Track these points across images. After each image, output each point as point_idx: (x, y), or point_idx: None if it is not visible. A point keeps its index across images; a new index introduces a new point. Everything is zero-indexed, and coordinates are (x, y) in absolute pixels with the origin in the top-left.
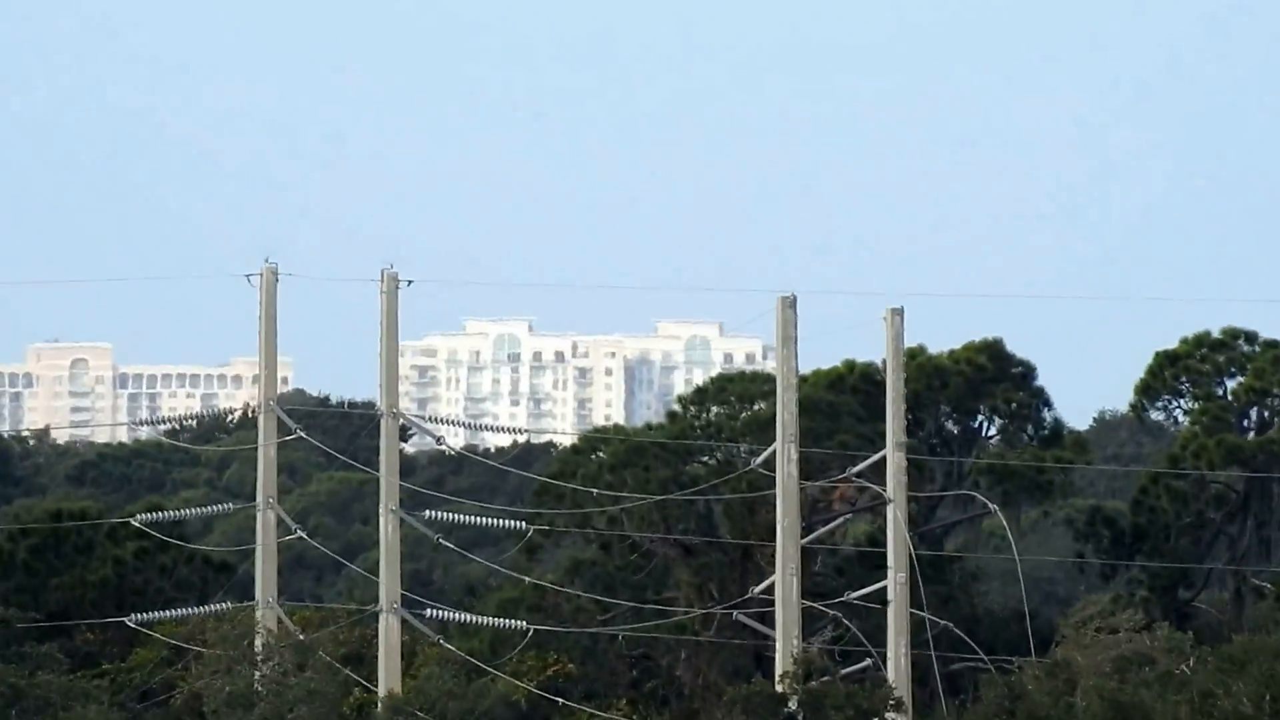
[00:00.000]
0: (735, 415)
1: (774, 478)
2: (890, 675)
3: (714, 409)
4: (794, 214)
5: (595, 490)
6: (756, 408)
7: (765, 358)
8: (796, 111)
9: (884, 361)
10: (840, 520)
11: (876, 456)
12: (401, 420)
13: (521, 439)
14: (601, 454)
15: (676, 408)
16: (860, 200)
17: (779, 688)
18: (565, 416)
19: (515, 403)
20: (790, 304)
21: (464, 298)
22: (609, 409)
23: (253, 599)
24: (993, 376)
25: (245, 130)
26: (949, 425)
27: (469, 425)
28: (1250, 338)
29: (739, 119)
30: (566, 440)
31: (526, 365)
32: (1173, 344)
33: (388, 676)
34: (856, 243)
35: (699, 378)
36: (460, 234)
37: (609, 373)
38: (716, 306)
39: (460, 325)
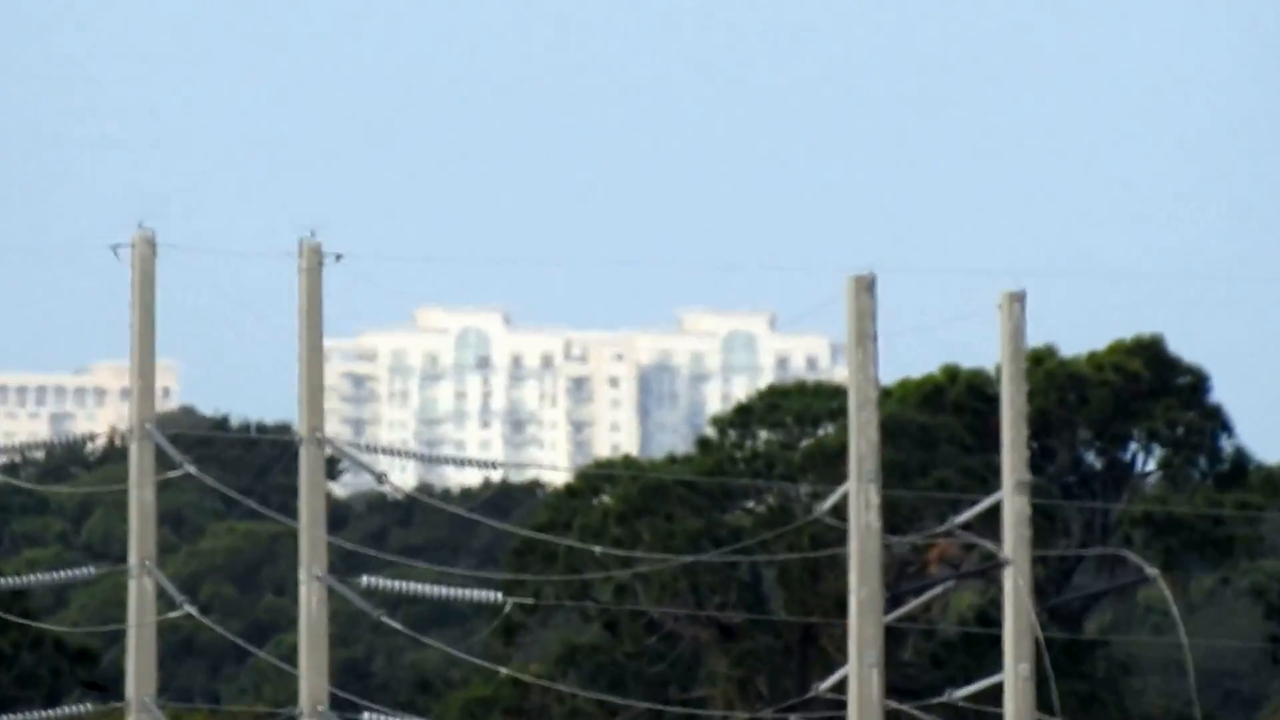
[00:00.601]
0: (792, 443)
1: (846, 531)
2: None
3: (763, 434)
4: (861, 181)
5: (598, 548)
6: (822, 432)
7: (834, 361)
8: (861, 63)
9: (998, 368)
10: (939, 589)
11: (989, 501)
12: (329, 450)
13: (496, 476)
14: (606, 497)
15: (710, 432)
16: (946, 165)
17: None
18: (556, 444)
19: (486, 424)
20: (867, 286)
21: (416, 280)
22: (616, 434)
23: (123, 698)
24: (1151, 389)
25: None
26: (1090, 457)
27: (422, 457)
28: None
29: (785, 65)
30: (558, 478)
31: (502, 373)
32: None
33: None
34: (943, 216)
35: (741, 390)
36: (414, 203)
37: (615, 383)
38: (765, 292)
39: (410, 318)
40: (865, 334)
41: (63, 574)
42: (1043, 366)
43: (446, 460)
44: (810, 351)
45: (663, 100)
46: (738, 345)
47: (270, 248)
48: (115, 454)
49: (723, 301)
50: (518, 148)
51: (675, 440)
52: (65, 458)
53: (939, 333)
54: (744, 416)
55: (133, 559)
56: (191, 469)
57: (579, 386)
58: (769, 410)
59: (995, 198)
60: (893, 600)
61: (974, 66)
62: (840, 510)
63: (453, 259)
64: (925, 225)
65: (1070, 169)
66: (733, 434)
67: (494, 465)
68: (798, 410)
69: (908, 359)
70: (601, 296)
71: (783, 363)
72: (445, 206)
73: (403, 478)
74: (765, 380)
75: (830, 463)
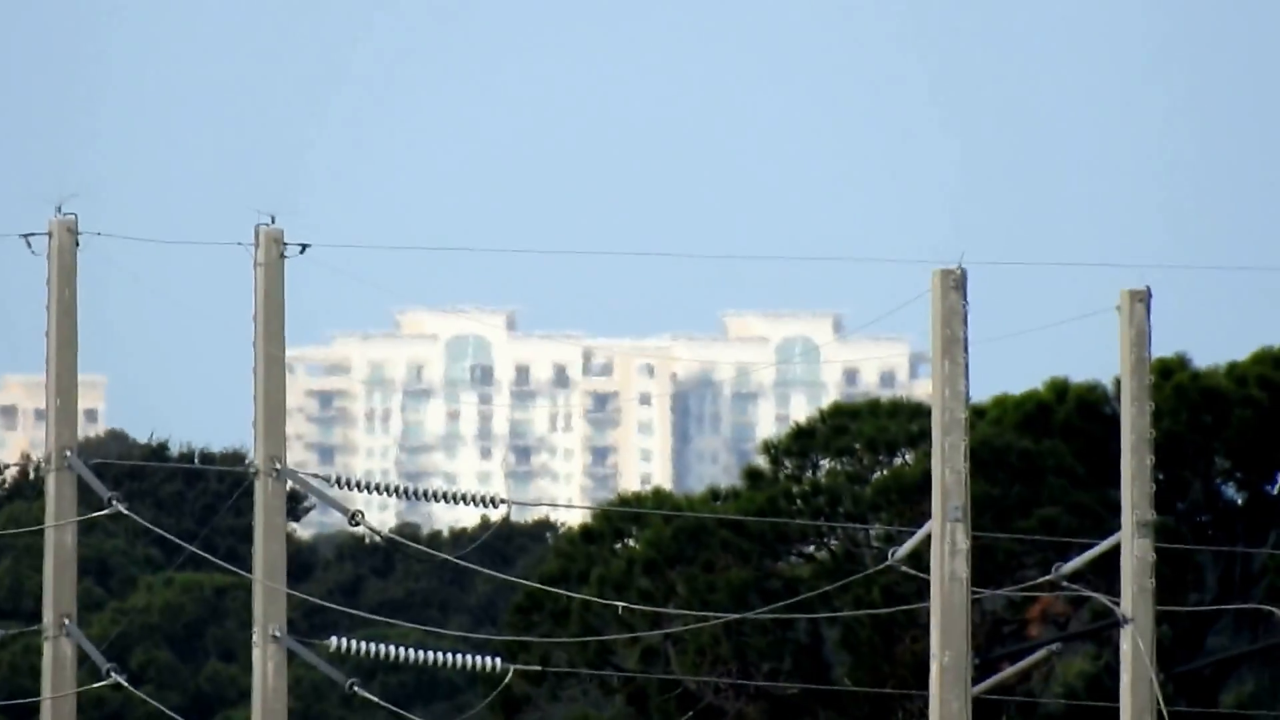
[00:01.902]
0: (862, 475)
1: (926, 582)
2: None
3: (826, 464)
4: (944, 166)
5: (621, 604)
6: (899, 461)
7: (914, 375)
8: (932, 39)
9: (1117, 382)
10: (1041, 653)
11: (1105, 545)
12: (291, 483)
13: (496, 515)
14: (632, 541)
15: (761, 461)
16: (1048, 149)
17: None
18: (571, 477)
19: (485, 452)
20: (956, 283)
21: (399, 277)
22: (646, 464)
23: None
24: None
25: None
26: (1229, 492)
27: (406, 492)
28: None
29: (853, 41)
30: (572, 517)
31: (504, 388)
32: None
33: None
34: (1046, 205)
35: (800, 410)
36: (401, 190)
37: (645, 401)
38: (829, 291)
39: (392, 322)
40: (953, 340)
41: None
42: (1171, 381)
43: (435, 496)
44: (885, 363)
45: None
46: (796, 354)
47: (221, 238)
48: (28, 488)
49: (777, 302)
50: (523, 127)
51: (717, 472)
52: None
53: (1044, 339)
54: (803, 442)
55: (48, 617)
56: (121, 507)
57: (600, 406)
58: (834, 434)
59: (1111, 186)
60: (984, 667)
61: (1073, 46)
62: (920, 557)
63: (444, 249)
64: (1025, 216)
65: (1191, 153)
66: (789, 464)
67: (493, 502)
68: (869, 434)
69: (1005, 372)
70: (628, 297)
71: (851, 376)
72: (438, 193)
73: (382, 517)
74: (829, 398)
75: (908, 499)
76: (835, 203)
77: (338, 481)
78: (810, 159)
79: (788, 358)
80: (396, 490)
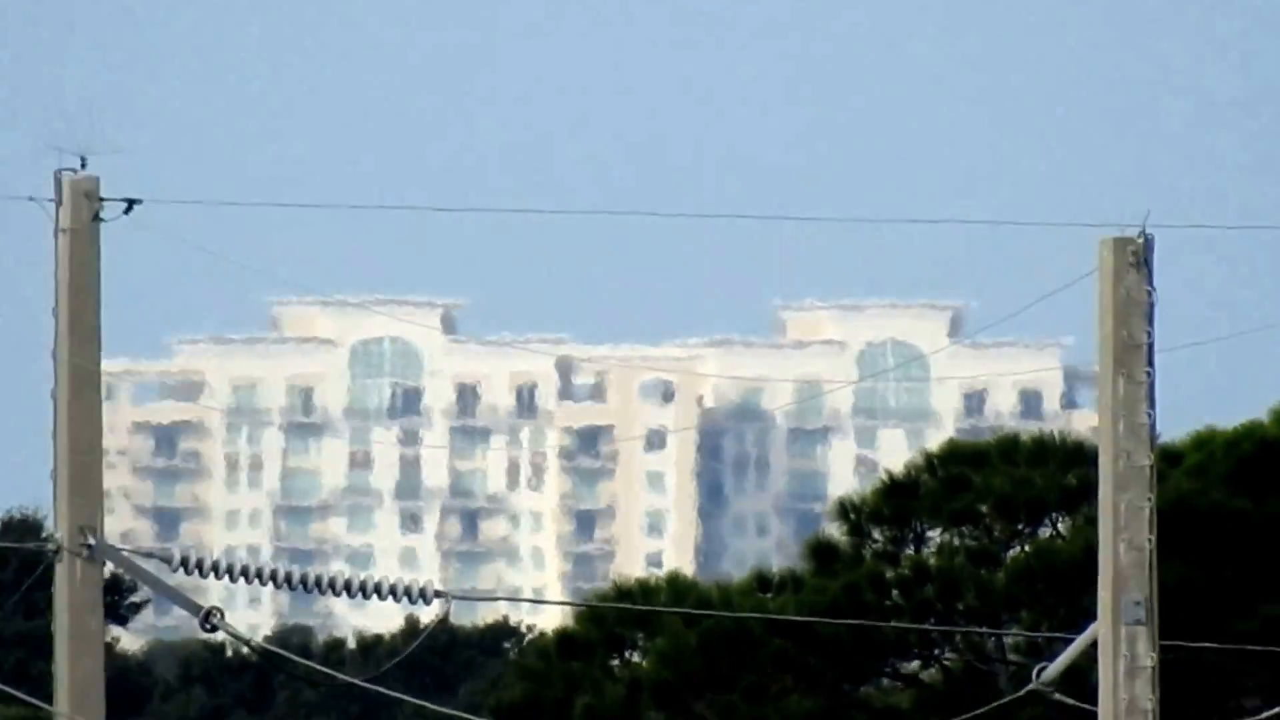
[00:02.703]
0: (992, 551)
1: (1089, 714)
2: None
3: (936, 534)
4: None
5: None
6: (1046, 533)
7: (1069, 400)
8: None
9: None
10: None
11: None
12: (110, 567)
13: (428, 615)
14: (637, 654)
15: (836, 533)
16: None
17: None
18: (543, 557)
19: (411, 520)
20: (1137, 258)
21: (279, 253)
22: (655, 536)
23: None
24: None
25: None
26: None
27: (288, 581)
28: None
29: None
30: (545, 620)
31: (440, 420)
32: None
33: None
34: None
35: (897, 451)
36: (285, 132)
37: (657, 440)
38: (940, 273)
39: (267, 320)
40: (1131, 346)
41: None
42: None
43: (335, 586)
44: (1026, 381)
45: None
46: (890, 369)
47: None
48: None
49: (861, 289)
50: (473, 43)
51: (766, 548)
52: None
53: (1266, 346)
54: (901, 502)
55: None
56: None
57: (586, 448)
58: (948, 490)
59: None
60: None
61: None
62: (1080, 677)
63: (340, 209)
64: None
65: None
66: (879, 535)
67: (424, 596)
68: (1002, 490)
69: (1210, 394)
70: (628, 283)
71: (974, 401)
72: (340, 140)
73: (253, 618)
74: (941, 434)
75: (1062, 589)
76: (942, 155)
77: (184, 563)
78: (896, 97)
79: (877, 373)
80: (274, 576)
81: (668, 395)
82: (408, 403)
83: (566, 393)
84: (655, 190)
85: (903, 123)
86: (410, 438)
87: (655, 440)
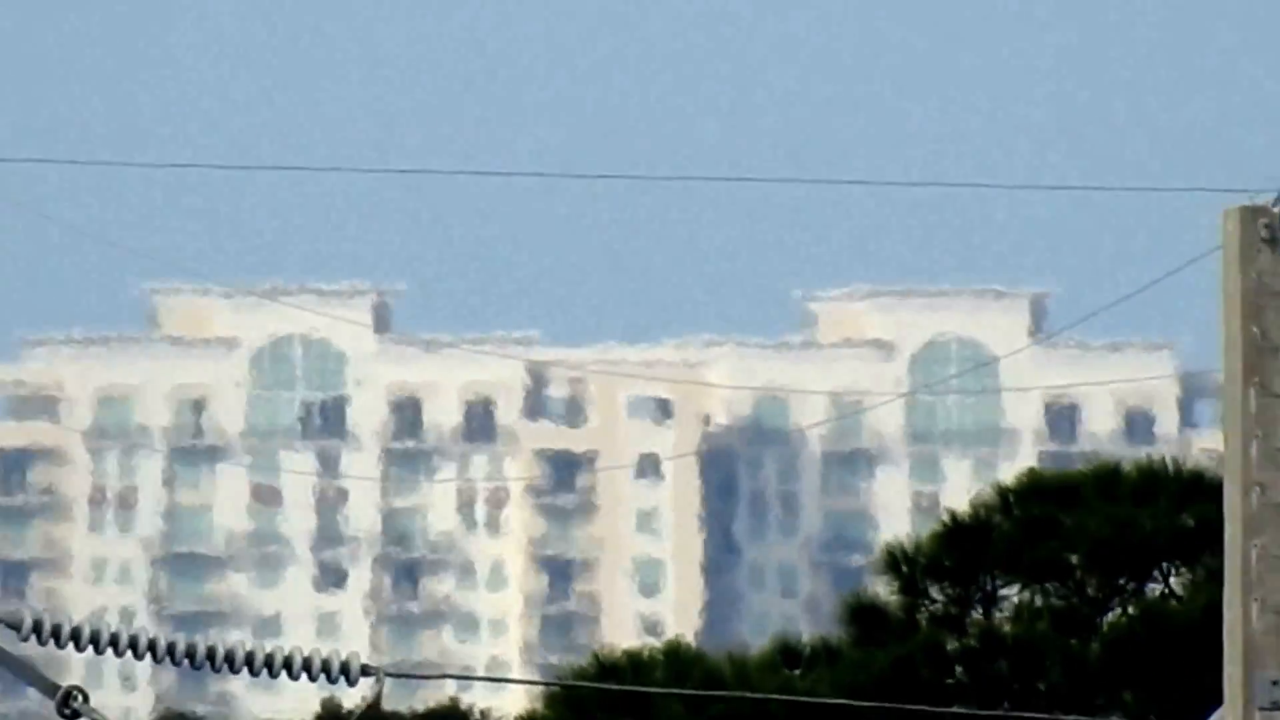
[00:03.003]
0: (1085, 614)
1: None
2: None
3: (1013, 593)
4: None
5: None
6: (1155, 590)
7: (1187, 419)
8: None
9: None
10: None
11: None
12: None
13: (355, 696)
14: None
15: (883, 590)
16: None
17: None
18: (504, 623)
19: (332, 574)
20: (1272, 232)
21: (157, 228)
22: (649, 598)
23: None
24: None
25: None
26: None
27: (171, 654)
28: None
29: None
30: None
31: (370, 442)
32: None
33: None
34: None
35: (960, 484)
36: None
37: (650, 468)
38: (1012, 254)
39: (144, 316)
40: (1265, 345)
41: None
42: None
43: (234, 662)
44: (1129, 391)
45: None
46: (951, 375)
47: None
48: None
49: (914, 273)
50: None
51: (792, 609)
52: None
53: None
54: (966, 549)
55: None
56: None
57: (560, 479)
58: (1027, 535)
59: None
60: None
61: None
62: None
63: (238, 170)
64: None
65: None
66: (937, 592)
67: (345, 674)
68: (1098, 533)
69: None
70: (617, 268)
71: (1061, 418)
72: (236, 84)
73: (129, 701)
74: (1019, 460)
75: (1173, 661)
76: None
77: (35, 630)
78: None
79: (936, 381)
80: (153, 648)
81: (665, 411)
82: (328, 421)
83: (535, 408)
84: (646, 150)
85: (964, 66)
86: (331, 466)
87: (649, 469)
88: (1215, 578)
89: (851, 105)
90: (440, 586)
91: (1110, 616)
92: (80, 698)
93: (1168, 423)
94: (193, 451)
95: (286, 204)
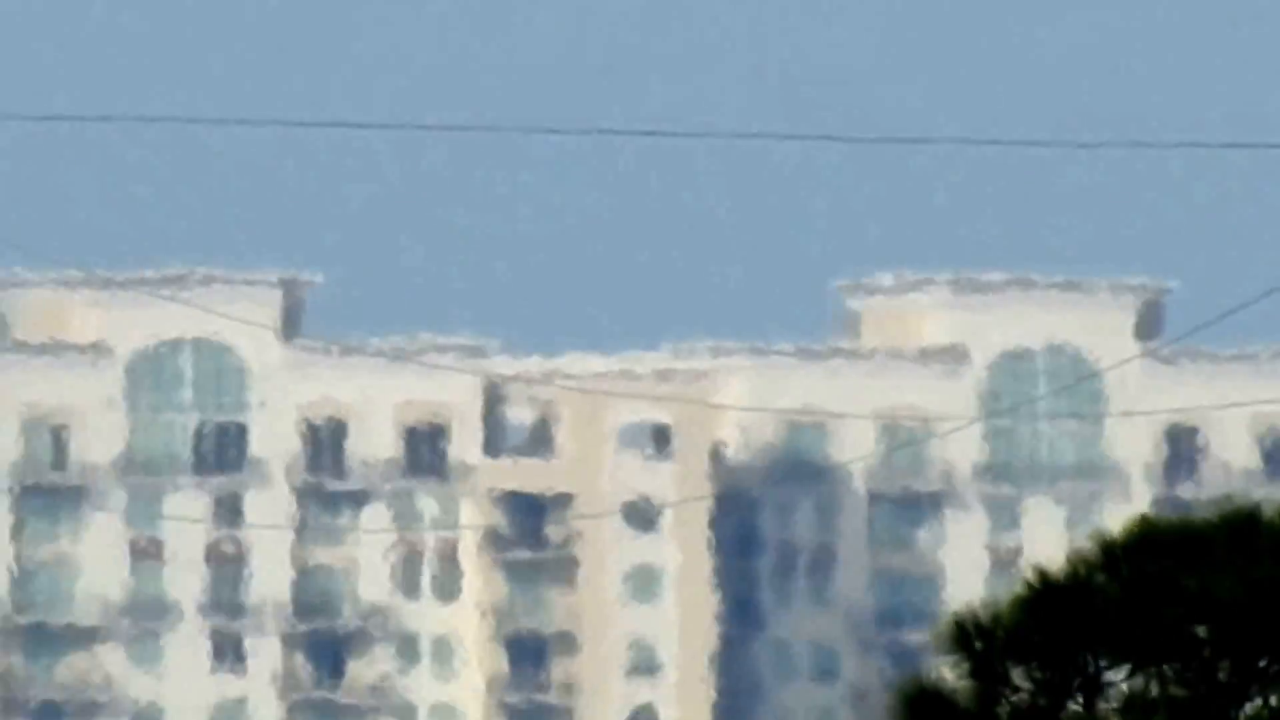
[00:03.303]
0: (1210, 693)
1: None
2: None
3: (1119, 675)
4: None
5: None
6: None
7: None
8: None
9: None
10: None
11: None
12: None
13: None
14: None
15: (950, 674)
16: None
17: None
18: (464, 703)
19: (233, 654)
20: None
21: (4, 205)
22: (646, 682)
23: None
24: None
25: None
26: None
27: None
28: None
29: None
30: None
31: (278, 475)
32: None
33: None
34: None
35: (1051, 534)
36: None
37: (643, 519)
38: (1120, 234)
39: None
40: None
41: None
42: None
43: None
44: (1270, 414)
45: None
46: (1040, 391)
47: None
48: None
49: (987, 254)
50: None
51: (830, 697)
52: None
53: None
54: (1060, 619)
55: None
56: None
57: (528, 526)
58: (1139, 600)
59: None
60: None
61: None
62: None
63: (105, 119)
64: None
65: None
66: (1021, 675)
67: None
68: (1231, 597)
69: None
70: (600, 256)
71: (1182, 449)
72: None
73: None
74: (1130, 503)
75: None
76: None
77: None
78: None
79: (1020, 401)
80: None
81: (663, 440)
82: (225, 451)
83: (495, 436)
84: (635, 95)
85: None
86: (229, 510)
87: (643, 516)
88: None
89: (909, 45)
90: (371, 669)
91: (1249, 709)
92: None
93: None
94: (51, 492)
95: (173, 168)
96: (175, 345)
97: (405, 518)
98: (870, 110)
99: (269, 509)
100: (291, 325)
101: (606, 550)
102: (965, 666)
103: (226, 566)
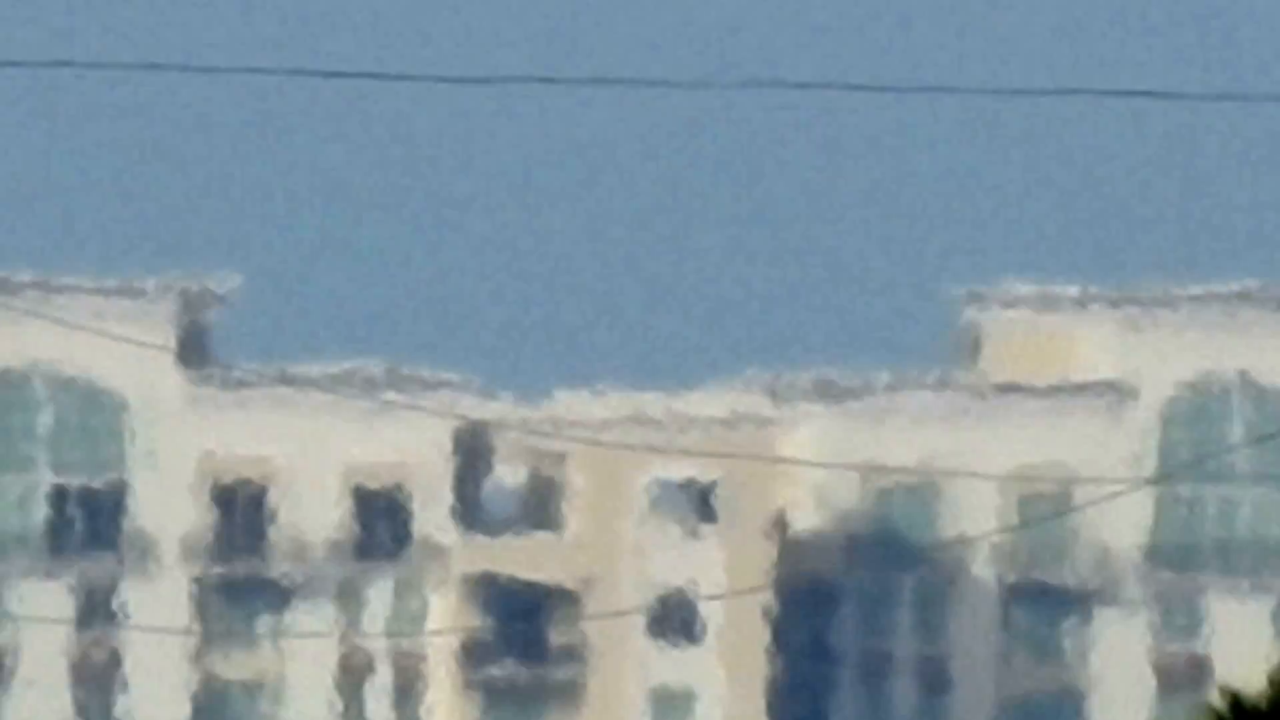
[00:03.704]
0: None
1: None
2: None
3: None
4: None
5: None
6: None
7: None
8: None
9: None
10: None
11: None
12: None
13: None
14: None
15: None
16: None
17: None
18: None
19: None
20: None
21: None
22: None
23: None
24: None
25: None
26: None
27: None
28: None
29: None
30: None
31: (173, 557)
32: None
33: None
34: None
35: (1248, 629)
36: None
37: (677, 619)
38: None
39: None
40: None
41: None
42: None
43: None
44: None
45: None
46: (1229, 434)
47: None
48: None
49: (1155, 256)
50: None
51: None
52: None
53: None
54: None
55: None
56: None
57: (519, 627)
58: None
59: None
60: None
61: None
62: None
63: None
64: None
65: None
66: None
67: None
68: None
69: None
70: (617, 246)
71: None
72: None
73: None
74: None
75: None
76: None
77: None
78: None
79: (1206, 454)
80: None
81: (706, 510)
82: (96, 524)
83: (474, 503)
84: (665, 42)
85: None
86: (102, 607)
87: (677, 616)
88: None
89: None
90: None
91: None
92: None
93: None
94: None
95: (26, 136)
96: (24, 377)
97: (350, 618)
98: (993, 62)
99: (158, 605)
100: (193, 349)
101: (627, 664)
102: None
103: (97, 684)
